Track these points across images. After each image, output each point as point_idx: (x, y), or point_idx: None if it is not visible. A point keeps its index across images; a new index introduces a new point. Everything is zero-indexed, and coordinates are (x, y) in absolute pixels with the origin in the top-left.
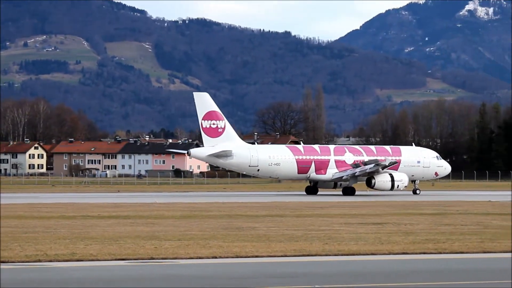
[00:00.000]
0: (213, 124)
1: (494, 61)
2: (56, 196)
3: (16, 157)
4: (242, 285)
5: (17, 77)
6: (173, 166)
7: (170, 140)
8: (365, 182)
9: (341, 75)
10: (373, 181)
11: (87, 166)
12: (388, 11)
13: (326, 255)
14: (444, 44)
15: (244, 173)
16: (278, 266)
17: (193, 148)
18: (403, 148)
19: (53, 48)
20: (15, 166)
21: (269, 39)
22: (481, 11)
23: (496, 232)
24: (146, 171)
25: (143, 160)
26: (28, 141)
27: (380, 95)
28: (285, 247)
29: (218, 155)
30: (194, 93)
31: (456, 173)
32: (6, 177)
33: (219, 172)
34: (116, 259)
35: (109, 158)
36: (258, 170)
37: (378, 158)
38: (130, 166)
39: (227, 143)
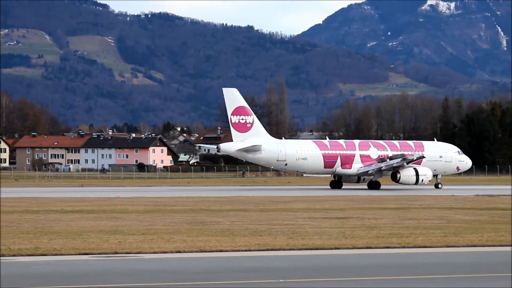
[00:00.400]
0: (242, 119)
1: (456, 55)
2: (19, 190)
3: None
4: (207, 279)
5: None
6: (136, 161)
7: (133, 135)
8: (390, 176)
9: (304, 70)
10: (398, 175)
11: (50, 160)
12: (350, 6)
13: (290, 249)
14: (406, 39)
15: (272, 167)
16: (242, 261)
17: (219, 145)
18: (425, 143)
19: (15, 42)
20: None
21: (232, 33)
22: (443, 6)
23: (459, 227)
24: (110, 165)
25: (106, 155)
26: None
27: (343, 89)
28: (249, 241)
29: (247, 150)
30: (223, 88)
31: None
32: None
33: (183, 167)
34: (80, 254)
35: (72, 152)
36: (286, 164)
37: (405, 152)
38: (93, 161)
39: (256, 138)
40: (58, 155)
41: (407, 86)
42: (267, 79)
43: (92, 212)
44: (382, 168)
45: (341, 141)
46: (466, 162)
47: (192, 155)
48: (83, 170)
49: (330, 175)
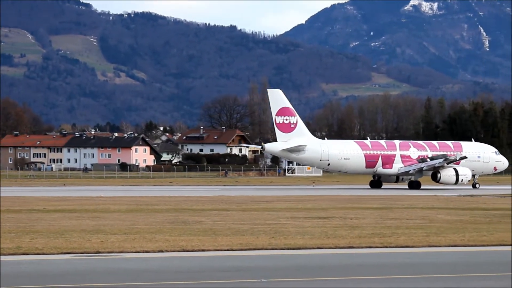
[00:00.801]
0: (286, 119)
1: (439, 56)
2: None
3: None
4: (189, 279)
5: None
6: (119, 160)
7: (116, 134)
8: (430, 176)
9: (286, 70)
10: (438, 175)
11: (33, 159)
12: (333, 6)
13: (273, 249)
14: (389, 39)
15: (315, 167)
16: (225, 260)
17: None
18: (464, 144)
19: None
20: None
21: (214, 33)
22: (426, 6)
23: (441, 226)
24: (92, 164)
25: (88, 154)
26: None
27: (325, 89)
28: (231, 241)
29: (291, 150)
30: (268, 90)
31: None
32: None
33: (165, 166)
34: (62, 253)
35: (54, 151)
36: (329, 164)
37: (446, 153)
38: (75, 160)
39: (299, 138)
40: (40, 154)
41: (389, 86)
42: (249, 79)
43: (74, 212)
44: (424, 168)
45: (382, 142)
46: (503, 162)
47: (174, 155)
48: (66, 169)
49: (370, 175)
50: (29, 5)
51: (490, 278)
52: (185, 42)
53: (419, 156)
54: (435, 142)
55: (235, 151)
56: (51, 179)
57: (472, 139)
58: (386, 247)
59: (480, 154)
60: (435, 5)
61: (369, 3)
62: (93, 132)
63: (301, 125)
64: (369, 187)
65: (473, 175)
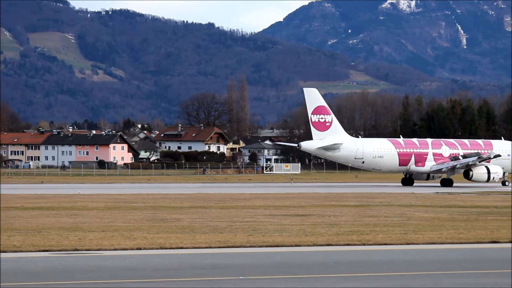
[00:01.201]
0: (321, 118)
1: (417, 53)
2: None
3: None
4: (167, 276)
5: None
6: (97, 158)
7: (94, 131)
8: (462, 174)
9: (265, 67)
10: (470, 173)
11: (10, 157)
12: (311, 4)
13: (251, 246)
14: (367, 37)
15: (350, 165)
16: (203, 258)
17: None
18: (494, 142)
19: None
20: None
21: (192, 30)
22: (403, 4)
23: (419, 224)
24: (70, 162)
25: (66, 151)
26: None
27: (303, 87)
28: (210, 238)
29: (327, 148)
30: (304, 88)
31: None
32: None
33: (143, 164)
34: (39, 250)
35: (32, 149)
36: (363, 162)
37: (479, 151)
38: (53, 157)
39: (334, 136)
40: (18, 152)
41: (367, 83)
42: (228, 76)
43: (52, 209)
44: (457, 166)
45: (415, 140)
46: None
47: (152, 152)
48: (43, 167)
49: (403, 172)
50: (7, 2)
51: (467, 276)
52: (163, 40)
53: (450, 154)
54: (466, 141)
55: (213, 148)
56: (29, 177)
57: (502, 137)
58: (364, 244)
59: (509, 152)
60: (413, 3)
61: (347, 1)
62: (71, 130)
63: (336, 123)
64: (401, 184)
65: (504, 173)
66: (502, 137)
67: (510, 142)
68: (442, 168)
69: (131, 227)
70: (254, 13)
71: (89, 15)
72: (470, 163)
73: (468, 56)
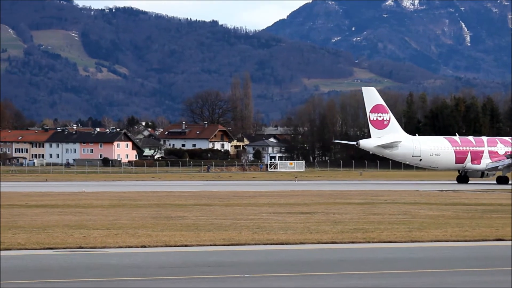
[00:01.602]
0: (380, 116)
1: (420, 51)
2: None
3: None
4: (172, 274)
5: None
6: (101, 155)
7: (98, 129)
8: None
9: (268, 65)
10: None
11: (15, 155)
12: (315, 1)
13: (255, 244)
14: (370, 34)
15: (407, 163)
16: (207, 255)
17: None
18: None
19: None
20: None
21: (196, 28)
22: (407, 2)
23: (423, 222)
24: (74, 160)
25: (70, 149)
26: None
27: (307, 84)
28: (214, 236)
29: (385, 146)
30: (362, 87)
31: (384, 162)
32: None
33: (147, 162)
34: (44, 248)
35: (36, 147)
36: (420, 160)
37: None
38: (57, 155)
39: (393, 135)
40: (22, 149)
41: (371, 81)
42: (231, 74)
43: (57, 207)
44: None
45: (471, 138)
46: None
47: (157, 150)
48: (48, 164)
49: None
50: (10, 1)
51: (472, 273)
52: (166, 37)
53: (506, 152)
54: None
55: (218, 146)
56: (33, 174)
57: (457, 134)
58: (368, 242)
59: None
60: (416, 0)
61: None
62: (75, 127)
63: (393, 121)
64: (456, 182)
65: None
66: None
67: None
68: (498, 166)
69: (136, 224)
70: (257, 11)
71: (92, 12)
72: None
73: (472, 54)
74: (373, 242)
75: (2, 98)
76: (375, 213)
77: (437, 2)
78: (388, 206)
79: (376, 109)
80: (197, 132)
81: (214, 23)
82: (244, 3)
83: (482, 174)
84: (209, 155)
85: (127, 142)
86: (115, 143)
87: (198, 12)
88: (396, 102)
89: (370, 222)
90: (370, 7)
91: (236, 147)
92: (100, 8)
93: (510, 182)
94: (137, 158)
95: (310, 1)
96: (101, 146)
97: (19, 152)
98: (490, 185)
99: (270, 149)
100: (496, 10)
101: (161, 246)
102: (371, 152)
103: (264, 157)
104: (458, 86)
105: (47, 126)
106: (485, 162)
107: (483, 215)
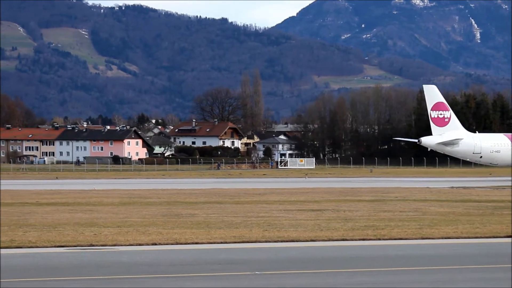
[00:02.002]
0: (441, 114)
1: (430, 48)
2: None
3: None
4: (182, 272)
5: None
6: (111, 153)
7: (108, 127)
8: None
9: (278, 62)
10: None
11: (25, 153)
12: None
13: (266, 241)
14: (380, 31)
15: (467, 159)
16: (218, 253)
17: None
18: None
19: None
20: None
21: (206, 26)
22: None
23: (434, 219)
24: (84, 157)
25: (81, 147)
26: None
27: (317, 81)
28: (225, 233)
29: (446, 143)
30: (424, 85)
31: (394, 159)
32: None
33: (158, 159)
34: (55, 246)
35: (47, 144)
36: (481, 157)
37: None
38: (68, 153)
39: (453, 132)
40: (32, 147)
41: (381, 78)
42: (241, 71)
43: (67, 205)
44: None
45: None
46: None
47: (167, 148)
48: (58, 162)
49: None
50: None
51: (483, 270)
52: (176, 35)
53: None
54: None
55: (228, 143)
56: (44, 172)
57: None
58: (379, 239)
59: None
60: None
61: None
62: (85, 125)
63: (454, 119)
64: None
65: None
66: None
67: None
68: None
69: (146, 222)
70: (267, 8)
71: (102, 10)
72: None
73: (482, 50)
74: (383, 239)
75: (12, 96)
76: (386, 210)
77: None
78: (399, 203)
79: (437, 106)
80: (207, 130)
81: (224, 20)
82: (254, 1)
83: None
84: (219, 152)
85: (137, 140)
86: (125, 140)
87: (207, 10)
88: (406, 99)
89: (380, 219)
90: (379, 4)
91: (246, 144)
92: (110, 6)
93: None
94: (147, 156)
95: None
96: (111, 144)
97: (30, 150)
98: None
99: (280, 146)
100: (506, 6)
101: (172, 244)
102: (429, 149)
103: (274, 154)
104: (468, 82)
105: (57, 124)
106: None
107: (494, 212)
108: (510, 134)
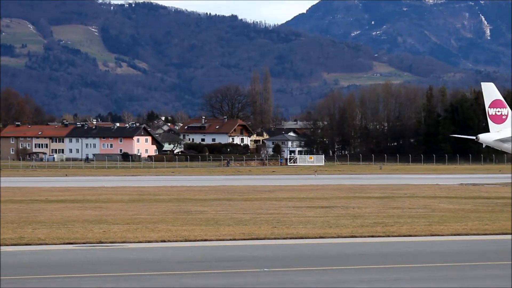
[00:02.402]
0: (498, 111)
1: (440, 44)
2: (3, 180)
3: None
4: (191, 269)
5: None
6: (120, 150)
7: (118, 124)
8: None
9: (288, 59)
10: None
11: (34, 150)
12: None
13: (275, 238)
14: (390, 28)
15: None
16: (227, 250)
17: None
18: None
19: None
20: None
21: (215, 22)
22: None
23: (443, 215)
24: (94, 155)
25: (90, 144)
26: None
27: (327, 78)
28: (234, 230)
29: (504, 140)
30: (482, 83)
31: (403, 156)
32: None
33: (167, 156)
34: (64, 243)
35: (56, 142)
36: None
37: None
38: (77, 150)
39: (510, 129)
40: (42, 144)
41: (391, 75)
42: (251, 68)
43: (77, 202)
44: None
45: None
46: None
47: (176, 145)
48: (67, 159)
49: None
50: None
51: (492, 267)
52: (186, 32)
53: None
54: None
55: (237, 140)
56: (53, 170)
57: None
58: (388, 236)
59: None
60: None
61: None
62: (94, 122)
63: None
64: None
65: None
66: None
67: None
68: None
69: (156, 219)
70: (277, 5)
71: (112, 7)
72: None
73: (492, 47)
74: (393, 236)
75: (22, 93)
76: (395, 207)
77: None
78: (408, 200)
79: (495, 104)
80: (217, 127)
81: (234, 17)
82: None
83: None
84: (228, 149)
85: (146, 137)
86: (135, 138)
87: (217, 7)
88: (416, 96)
89: (389, 216)
90: (389, 1)
91: (255, 141)
92: (119, 3)
93: None
94: (157, 153)
95: None
96: (120, 141)
97: (39, 147)
98: None
99: (289, 143)
100: None
101: (181, 241)
102: (484, 146)
103: (284, 151)
104: (478, 79)
105: (67, 121)
106: None
107: (503, 209)
108: None
